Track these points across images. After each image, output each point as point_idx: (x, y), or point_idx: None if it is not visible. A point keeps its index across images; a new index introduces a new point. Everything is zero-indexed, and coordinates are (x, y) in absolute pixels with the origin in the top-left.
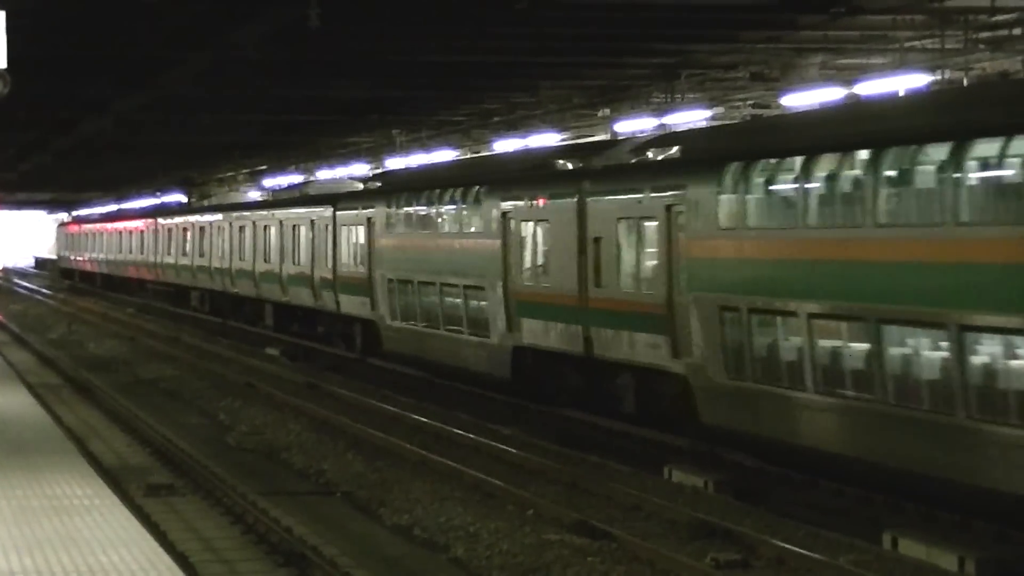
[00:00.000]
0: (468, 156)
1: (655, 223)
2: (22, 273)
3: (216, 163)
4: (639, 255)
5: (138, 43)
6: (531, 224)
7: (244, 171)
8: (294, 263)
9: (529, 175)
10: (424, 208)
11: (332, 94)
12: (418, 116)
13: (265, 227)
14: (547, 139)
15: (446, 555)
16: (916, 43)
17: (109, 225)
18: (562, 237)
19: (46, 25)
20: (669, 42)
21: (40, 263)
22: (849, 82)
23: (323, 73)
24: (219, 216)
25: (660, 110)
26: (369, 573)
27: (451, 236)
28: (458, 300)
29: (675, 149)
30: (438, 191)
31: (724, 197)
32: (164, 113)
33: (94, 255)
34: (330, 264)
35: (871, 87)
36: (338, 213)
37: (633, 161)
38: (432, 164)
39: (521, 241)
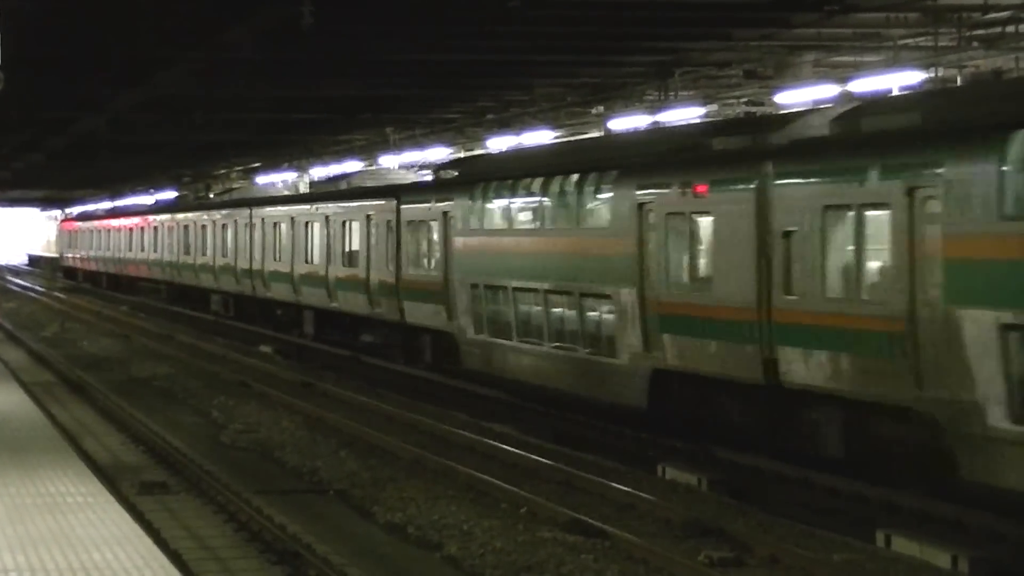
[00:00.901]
0: (582, 137)
1: (887, 212)
2: (15, 271)
3: (209, 162)
4: (860, 254)
5: (132, 42)
6: (682, 217)
7: (238, 169)
8: (345, 264)
9: (677, 158)
10: (522, 200)
11: (325, 92)
12: (411, 114)
13: (307, 224)
14: (542, 136)
15: (439, 553)
16: (909, 41)
17: (115, 222)
18: (731, 232)
19: (40, 24)
20: (663, 40)
21: (33, 260)
22: (843, 80)
23: (316, 72)
24: (247, 211)
25: (654, 108)
26: (363, 571)
27: (562, 233)
28: (570, 311)
29: (910, 114)
30: (542, 180)
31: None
32: (158, 112)
33: (99, 254)
34: (392, 266)
35: (865, 85)
36: (403, 207)
37: (838, 134)
38: (530, 147)
39: (665, 238)
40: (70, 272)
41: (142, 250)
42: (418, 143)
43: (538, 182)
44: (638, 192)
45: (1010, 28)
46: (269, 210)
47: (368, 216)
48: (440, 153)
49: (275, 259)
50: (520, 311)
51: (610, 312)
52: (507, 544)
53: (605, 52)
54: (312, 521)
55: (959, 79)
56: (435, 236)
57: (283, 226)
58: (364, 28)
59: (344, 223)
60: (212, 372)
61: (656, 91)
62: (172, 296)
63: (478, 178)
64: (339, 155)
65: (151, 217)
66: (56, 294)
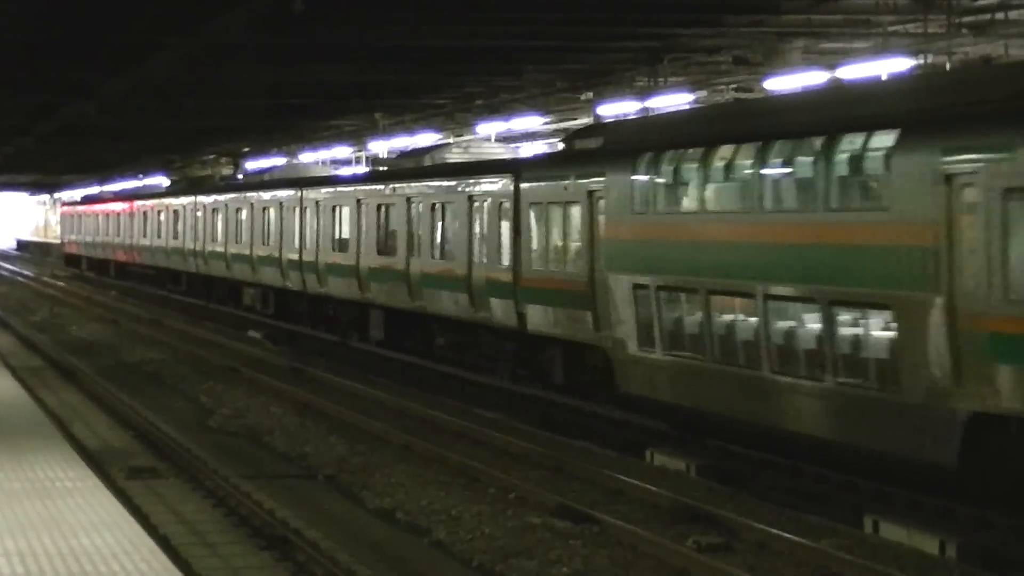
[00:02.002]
0: (819, 85)
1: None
2: (4, 255)
3: (199, 147)
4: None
5: (122, 27)
6: None
7: (227, 155)
8: (435, 257)
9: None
10: (724, 173)
11: (315, 78)
12: (401, 100)
13: (381, 207)
14: (530, 122)
15: (428, 538)
16: (899, 27)
17: (127, 205)
18: None
19: (30, 9)
20: (652, 26)
21: (22, 245)
22: (832, 66)
23: (306, 57)
24: (294, 192)
25: (643, 94)
26: (351, 556)
27: (796, 217)
28: (809, 324)
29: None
30: (757, 146)
31: None
32: (147, 97)
33: (107, 240)
34: (507, 260)
35: (854, 71)
36: (525, 186)
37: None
38: (720, 106)
39: (1001, 225)
40: (72, 259)
41: (158, 236)
42: (408, 128)
43: (750, 149)
44: (944, 159)
45: (1000, 15)
46: (326, 191)
47: (470, 197)
48: (430, 139)
49: (335, 249)
50: (719, 322)
51: (887, 327)
52: (496, 529)
53: (594, 38)
54: (301, 506)
55: (948, 65)
56: (575, 221)
57: (346, 210)
58: (354, 14)
59: (434, 206)
60: (201, 357)
61: (645, 77)
62: (194, 288)
63: (642, 146)
64: (328, 140)
65: (170, 200)
66: (45, 279)
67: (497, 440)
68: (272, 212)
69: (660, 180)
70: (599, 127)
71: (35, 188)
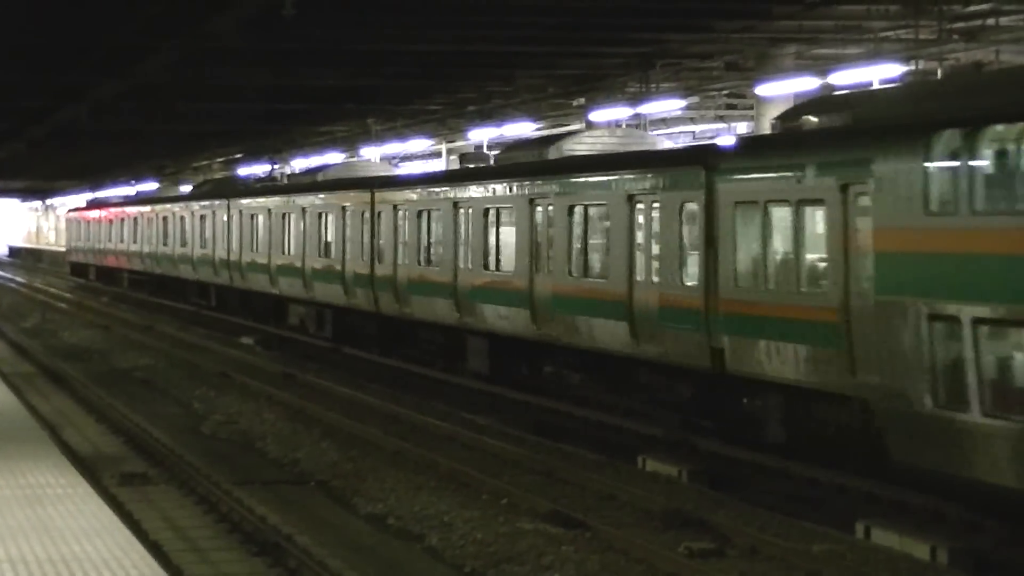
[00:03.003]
0: None
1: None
2: None
3: (191, 152)
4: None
5: (113, 31)
6: None
7: (219, 159)
8: (575, 274)
9: None
10: None
11: (307, 83)
12: (393, 105)
13: (489, 211)
14: (523, 128)
15: (420, 544)
16: (890, 33)
17: (142, 209)
18: None
19: (21, 13)
20: (644, 31)
21: (14, 252)
22: (824, 72)
23: (298, 62)
24: (362, 195)
25: (635, 99)
26: (343, 562)
27: None
28: None
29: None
30: None
31: None
32: (139, 102)
33: (121, 247)
34: (694, 278)
35: (846, 77)
36: (723, 183)
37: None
38: None
39: None
40: (79, 268)
41: (182, 244)
42: (400, 134)
43: None
44: None
45: (991, 21)
46: (411, 194)
47: (631, 197)
48: (420, 145)
49: (422, 262)
50: None
51: None
52: (488, 535)
53: (586, 43)
54: (293, 512)
55: (939, 72)
56: (816, 226)
57: (437, 215)
58: (346, 18)
59: (573, 209)
60: (193, 363)
61: (637, 83)
62: (226, 303)
63: (938, 120)
64: (320, 146)
65: (196, 204)
66: (37, 285)
67: (489, 445)
68: (332, 218)
69: (981, 166)
70: (839, 98)
71: (27, 194)
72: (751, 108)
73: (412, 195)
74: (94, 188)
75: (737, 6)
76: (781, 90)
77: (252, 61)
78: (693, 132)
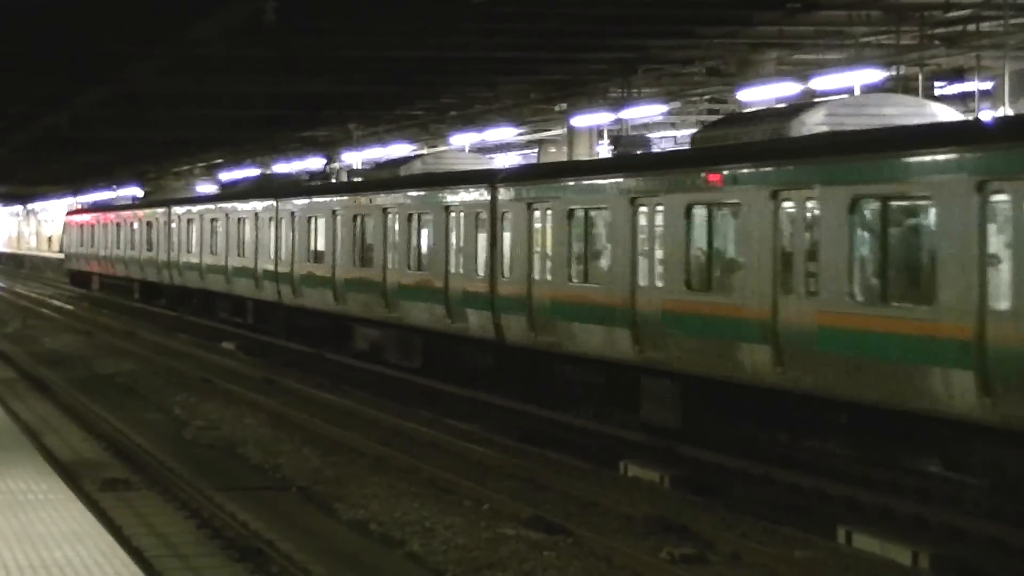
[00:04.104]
0: None
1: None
2: None
3: (172, 158)
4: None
5: (95, 38)
6: None
7: (201, 164)
8: (790, 294)
9: None
10: None
11: (288, 89)
12: (375, 111)
13: (693, 210)
14: (504, 134)
15: (402, 550)
16: (872, 39)
17: (156, 211)
18: None
19: (3, 20)
20: (625, 37)
21: None
22: (805, 77)
23: (279, 68)
24: (478, 195)
25: (617, 105)
26: (325, 568)
27: None
28: None
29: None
30: None
31: None
32: (121, 108)
33: (132, 254)
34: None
35: (827, 82)
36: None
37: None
38: None
39: None
40: (79, 277)
41: (213, 252)
42: (381, 140)
43: None
44: None
45: (971, 26)
46: (566, 191)
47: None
48: (402, 150)
49: (575, 275)
50: None
51: None
52: (470, 541)
53: (568, 49)
54: (275, 518)
55: (920, 77)
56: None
57: (603, 216)
58: (327, 24)
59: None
60: (175, 369)
61: (619, 88)
62: (268, 320)
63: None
64: (302, 151)
65: (230, 205)
66: (18, 291)
67: (471, 451)
68: (431, 220)
69: None
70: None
71: (8, 200)
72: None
73: (560, 192)
74: (76, 193)
75: (718, 12)
76: (763, 95)
77: (233, 68)
78: (675, 137)
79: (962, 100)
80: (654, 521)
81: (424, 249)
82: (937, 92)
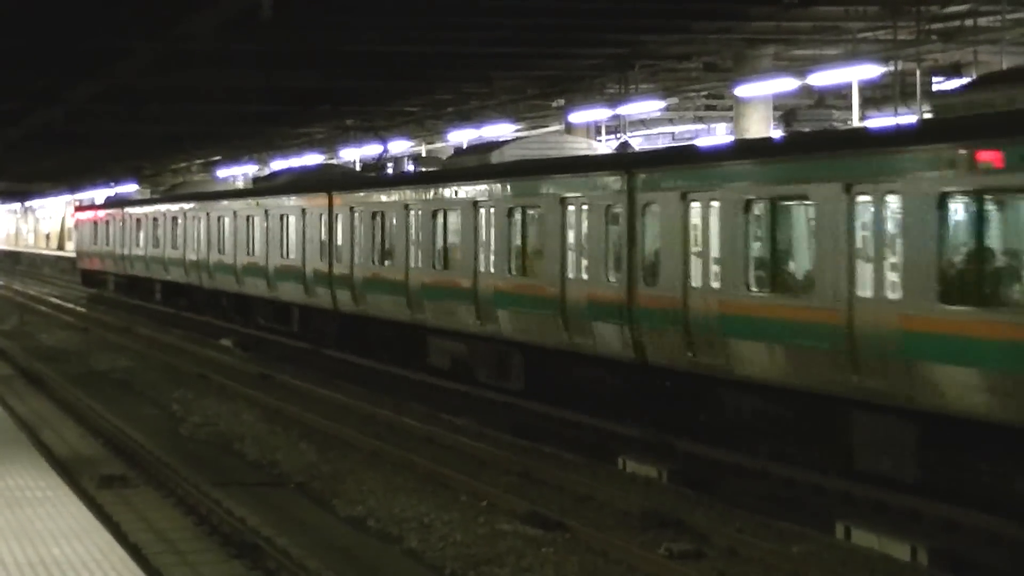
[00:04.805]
0: None
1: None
2: None
3: (168, 154)
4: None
5: (89, 32)
6: None
7: (198, 161)
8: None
9: None
10: None
11: (284, 84)
12: (371, 106)
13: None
14: (501, 130)
15: (400, 546)
16: (868, 34)
17: (191, 206)
18: None
19: None
20: (621, 32)
21: None
22: (802, 73)
23: (275, 63)
24: (607, 177)
25: (614, 100)
26: (323, 564)
27: None
28: None
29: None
30: None
31: None
32: (115, 103)
33: (156, 253)
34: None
35: (824, 78)
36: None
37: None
38: None
39: None
40: (93, 277)
41: (251, 252)
42: (378, 136)
43: None
44: None
45: (968, 22)
46: (751, 181)
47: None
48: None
49: (755, 284)
50: None
51: None
52: (467, 537)
53: (564, 44)
54: (272, 514)
55: (918, 73)
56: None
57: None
58: (323, 20)
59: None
60: (171, 365)
61: (616, 84)
62: (310, 325)
63: None
64: (299, 148)
65: (273, 200)
66: (16, 287)
67: (467, 446)
68: (546, 215)
69: None
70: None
71: (5, 197)
72: (731, 109)
73: (731, 178)
74: (73, 190)
75: (714, 7)
76: (759, 91)
77: (228, 63)
78: (672, 133)
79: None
80: (651, 516)
81: (530, 249)
82: (935, 88)
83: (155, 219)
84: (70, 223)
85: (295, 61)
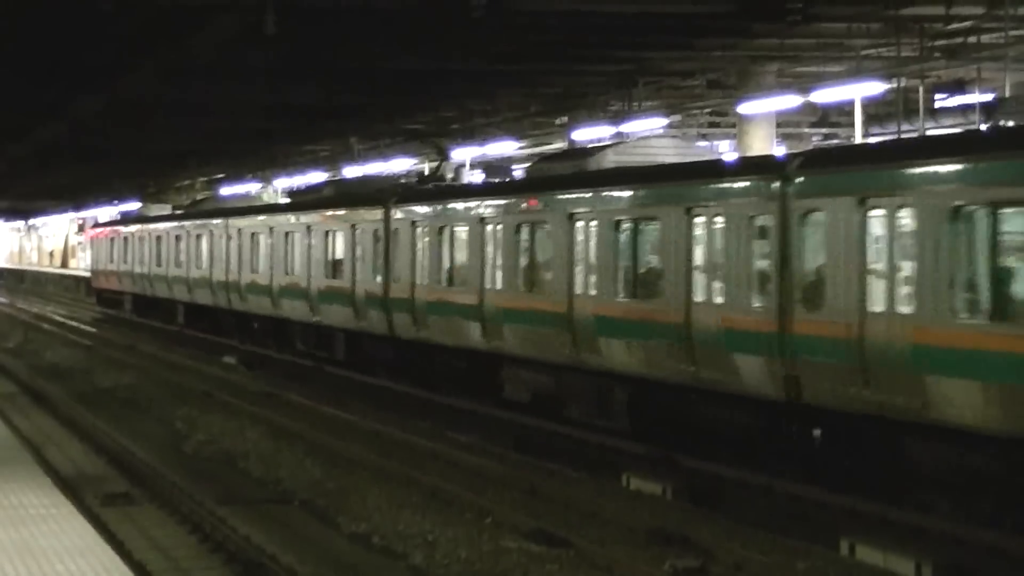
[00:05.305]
0: None
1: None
2: None
3: (172, 171)
4: None
5: (93, 48)
6: None
7: (202, 179)
8: None
9: None
10: None
11: (288, 101)
12: (375, 123)
13: None
14: (505, 147)
15: (405, 563)
16: (872, 51)
17: (218, 222)
18: None
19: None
20: (625, 49)
21: None
22: (806, 90)
23: (279, 80)
24: (736, 192)
25: (618, 118)
26: None
27: None
28: None
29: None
30: None
31: None
32: (119, 119)
33: (178, 273)
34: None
35: (827, 95)
36: None
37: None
38: None
39: None
40: (108, 297)
41: (289, 272)
42: (382, 153)
43: None
44: None
45: (972, 38)
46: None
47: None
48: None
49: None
50: None
51: None
52: (472, 553)
53: (568, 61)
54: (277, 531)
55: (921, 89)
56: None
57: None
58: (327, 37)
59: None
60: (175, 382)
61: (620, 101)
62: (359, 353)
63: None
64: (303, 165)
65: (320, 215)
66: (20, 305)
67: (471, 463)
68: (669, 227)
69: None
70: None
71: (8, 214)
72: (734, 126)
73: (933, 180)
74: (77, 208)
75: (718, 24)
76: (763, 108)
77: (232, 79)
78: None
79: (963, 112)
80: (656, 532)
81: (641, 267)
82: (937, 104)
83: (177, 236)
84: (74, 241)
85: (299, 78)
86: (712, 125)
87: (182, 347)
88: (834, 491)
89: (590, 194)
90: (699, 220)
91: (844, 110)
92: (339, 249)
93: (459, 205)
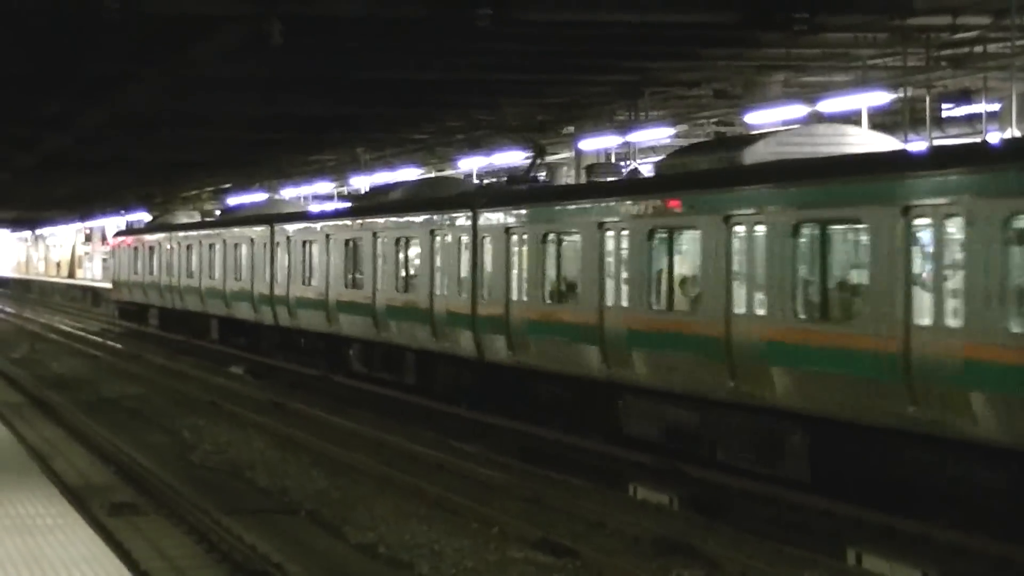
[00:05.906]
0: None
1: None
2: None
3: (178, 182)
4: None
5: (99, 60)
6: None
7: (208, 189)
8: None
9: None
10: None
11: (294, 111)
12: (381, 133)
13: None
14: (511, 157)
15: (411, 573)
16: (878, 61)
17: (261, 229)
18: None
19: (5, 41)
20: (631, 59)
21: (2, 282)
22: (812, 100)
23: (285, 90)
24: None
25: (624, 127)
26: None
27: None
28: None
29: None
30: None
31: None
32: (125, 130)
33: (212, 284)
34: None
35: (834, 104)
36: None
37: None
38: None
39: None
40: (131, 310)
41: (352, 286)
42: (388, 163)
43: None
44: None
45: (978, 48)
46: None
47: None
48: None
49: None
50: None
51: None
52: (478, 563)
53: (573, 71)
54: (283, 541)
55: (927, 99)
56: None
57: None
58: (333, 47)
59: None
60: (182, 392)
61: (626, 111)
62: (429, 375)
63: None
64: (310, 175)
65: (382, 220)
66: (26, 315)
67: (477, 472)
68: (880, 234)
69: None
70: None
71: (16, 224)
72: None
73: None
74: (84, 218)
75: (724, 34)
76: (769, 118)
77: (237, 89)
78: None
79: (969, 122)
80: (662, 542)
81: (831, 282)
82: (944, 114)
83: (212, 244)
84: (80, 251)
85: (305, 88)
86: (718, 135)
87: (188, 357)
88: (839, 500)
89: (748, 193)
90: (919, 222)
91: (850, 120)
92: (413, 259)
93: (570, 208)
